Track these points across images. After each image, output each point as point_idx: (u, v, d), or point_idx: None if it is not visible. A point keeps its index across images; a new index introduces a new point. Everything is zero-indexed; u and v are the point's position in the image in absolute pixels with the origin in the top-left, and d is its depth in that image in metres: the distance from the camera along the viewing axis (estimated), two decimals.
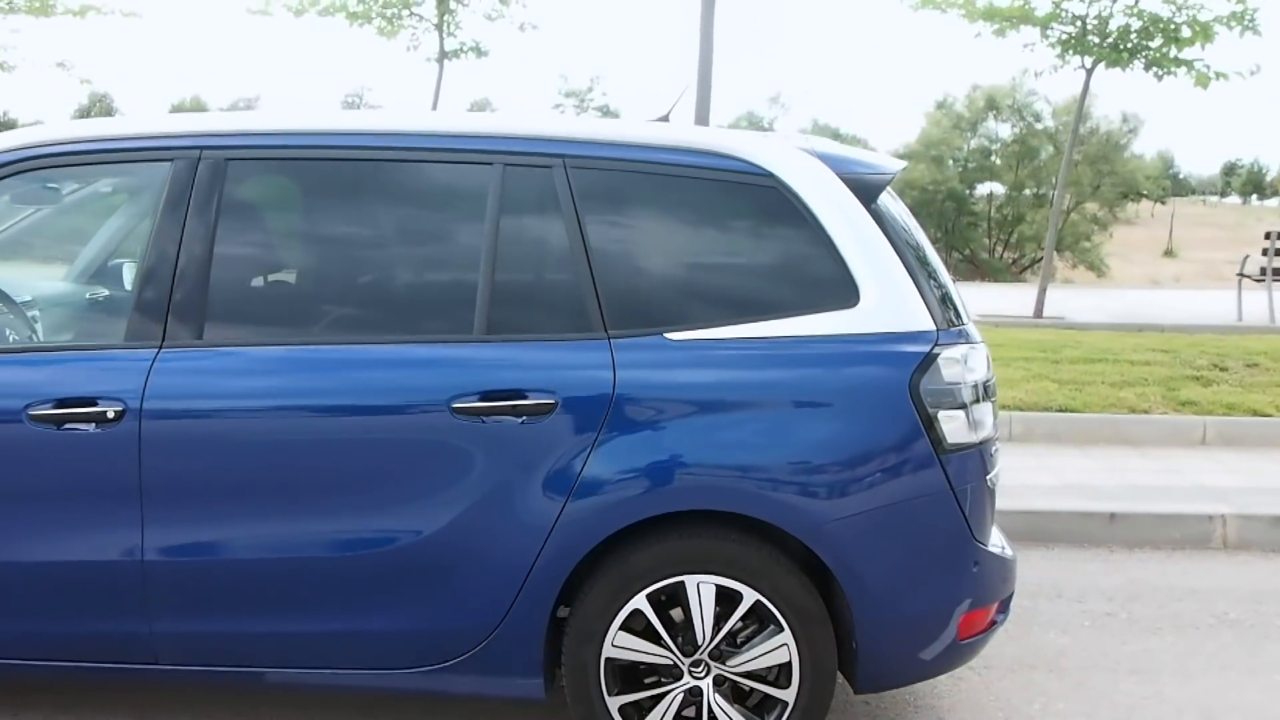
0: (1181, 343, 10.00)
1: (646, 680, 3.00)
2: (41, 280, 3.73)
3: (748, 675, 2.96)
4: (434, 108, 15.48)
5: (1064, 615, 4.44)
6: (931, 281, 3.08)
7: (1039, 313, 13.30)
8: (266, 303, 3.18)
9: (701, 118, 9.80)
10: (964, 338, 3.05)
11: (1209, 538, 5.37)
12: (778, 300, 3.01)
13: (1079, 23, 12.59)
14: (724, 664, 2.95)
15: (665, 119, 3.51)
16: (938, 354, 2.95)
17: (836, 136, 37.60)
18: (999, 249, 26.83)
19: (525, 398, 2.88)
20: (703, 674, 2.96)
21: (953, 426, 2.95)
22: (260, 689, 3.14)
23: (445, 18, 14.69)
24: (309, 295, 3.18)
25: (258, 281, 3.19)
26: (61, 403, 2.91)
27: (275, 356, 2.99)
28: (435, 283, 3.10)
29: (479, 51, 14.91)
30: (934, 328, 2.98)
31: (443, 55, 14.85)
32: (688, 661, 2.95)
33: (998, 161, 26.59)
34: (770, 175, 3.00)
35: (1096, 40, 12.56)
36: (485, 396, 2.88)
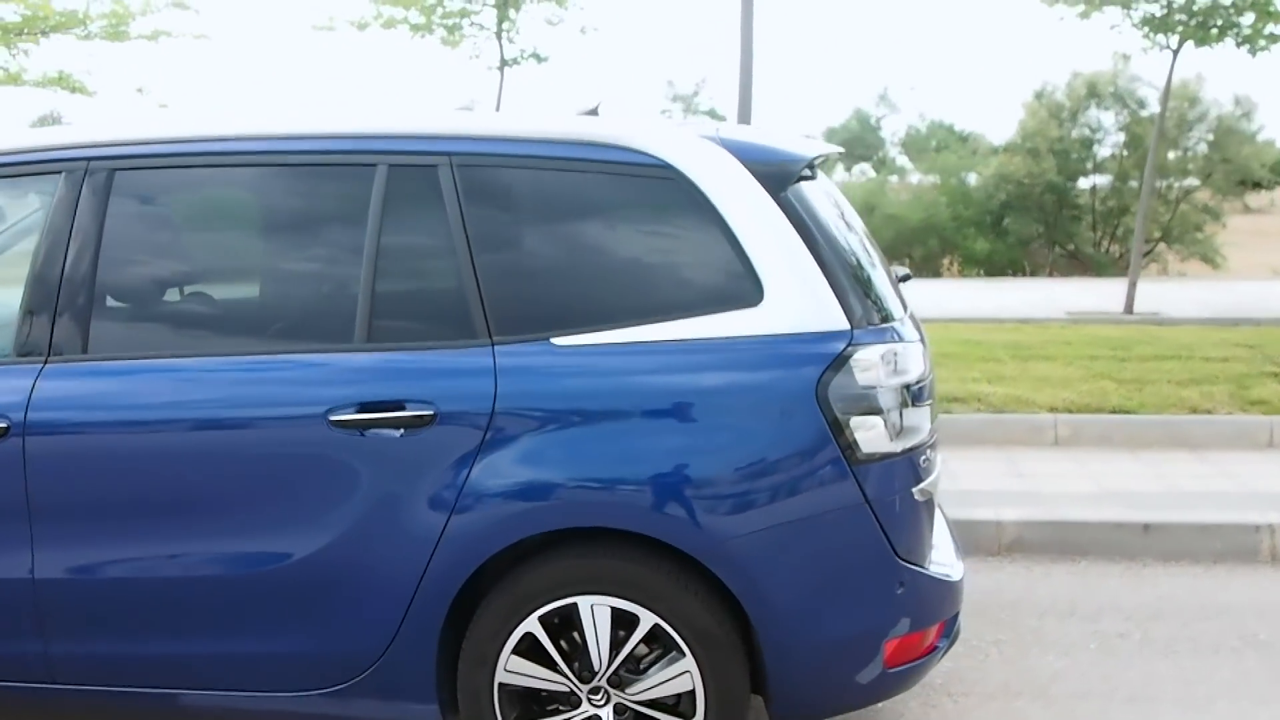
0: (1273, 337, 9.45)
1: (548, 708, 2.87)
2: None
3: (650, 704, 2.81)
4: None
5: (1070, 636, 4.15)
6: (854, 276, 2.87)
7: (1129, 308, 12.75)
8: (150, 314, 3.13)
9: (744, 114, 9.61)
10: (889, 336, 2.84)
11: (1255, 550, 4.98)
12: (676, 300, 2.85)
13: (1164, 1, 12.04)
14: (624, 691, 2.80)
15: (594, 112, 3.36)
16: (850, 355, 2.75)
17: (948, 132, 36.56)
18: (1105, 242, 25.81)
19: (404, 409, 2.77)
20: (602, 701, 2.81)
21: (868, 434, 2.74)
22: (164, 711, 3.09)
23: (504, 25, 14.73)
24: (191, 306, 3.14)
25: (142, 293, 3.13)
26: None
27: (154, 369, 2.94)
28: (315, 290, 3.01)
29: (538, 57, 14.92)
30: (848, 326, 2.78)
31: (503, 63, 14.89)
32: (586, 688, 2.81)
33: (1101, 151, 25.63)
34: (668, 166, 2.84)
35: (1183, 19, 12.00)
36: (363, 408, 2.78)
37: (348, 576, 2.82)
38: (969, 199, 26.22)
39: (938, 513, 3.35)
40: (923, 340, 3.01)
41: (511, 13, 14.57)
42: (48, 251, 3.00)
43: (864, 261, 3.00)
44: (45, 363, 2.94)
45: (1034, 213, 25.51)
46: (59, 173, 3.04)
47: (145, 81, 18.30)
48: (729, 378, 2.76)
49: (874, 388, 2.75)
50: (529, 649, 2.81)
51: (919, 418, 2.88)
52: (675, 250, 2.91)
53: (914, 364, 2.89)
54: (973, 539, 4.93)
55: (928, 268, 24.71)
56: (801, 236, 2.81)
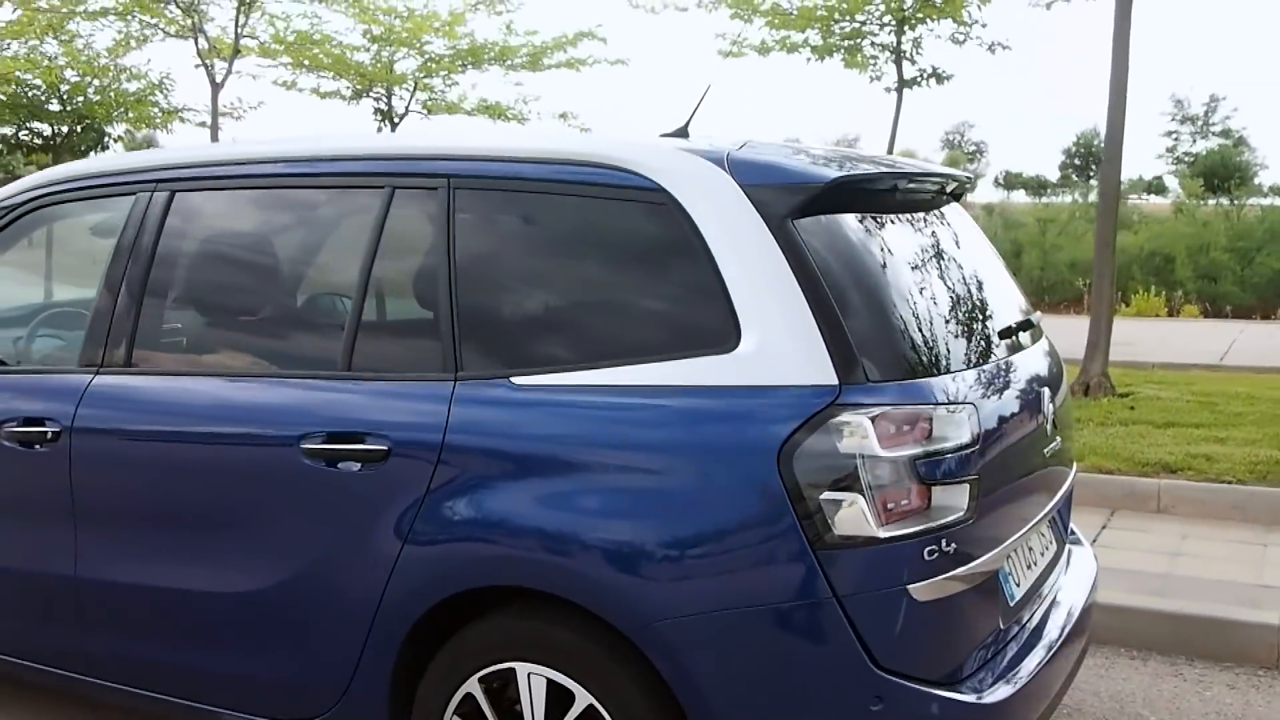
0: None
1: None
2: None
3: None
4: (891, 139, 15.19)
5: None
6: (870, 323, 2.44)
7: None
8: (171, 330, 3.28)
9: (1114, 130, 8.63)
10: (905, 396, 2.38)
11: None
12: (647, 341, 2.57)
13: None
14: None
15: (684, 132, 3.14)
16: (830, 415, 2.34)
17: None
18: None
19: (363, 442, 2.72)
20: None
21: (844, 514, 2.31)
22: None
23: (905, 43, 14.31)
24: (198, 325, 3.27)
25: (162, 312, 3.27)
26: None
27: (163, 386, 3.12)
28: (313, 315, 3.04)
29: (939, 77, 14.33)
30: (834, 381, 2.36)
31: (901, 83, 14.46)
32: None
33: None
34: (660, 190, 2.57)
35: None
36: (330, 438, 2.76)
37: (308, 609, 2.81)
38: None
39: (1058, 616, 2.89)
40: (1017, 395, 2.65)
41: (909, 31, 14.12)
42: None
43: (895, 302, 2.54)
44: (97, 373, 3.21)
45: None
46: (132, 194, 3.31)
47: (569, 106, 19.56)
48: (684, 432, 2.45)
49: (859, 457, 2.32)
50: (472, 712, 2.65)
51: (951, 496, 2.39)
52: (657, 285, 2.64)
53: (953, 430, 2.41)
54: (1235, 646, 4.11)
55: None
56: (799, 273, 2.43)
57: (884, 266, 2.60)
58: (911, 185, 2.92)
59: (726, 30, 15.42)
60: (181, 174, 3.23)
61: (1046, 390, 2.97)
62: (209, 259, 3.28)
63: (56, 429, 3.15)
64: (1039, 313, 3.50)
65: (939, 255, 2.90)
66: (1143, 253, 23.14)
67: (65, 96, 18.81)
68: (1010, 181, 52.62)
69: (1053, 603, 3.05)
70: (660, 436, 2.46)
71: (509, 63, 17.61)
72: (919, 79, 14.48)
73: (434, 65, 17.50)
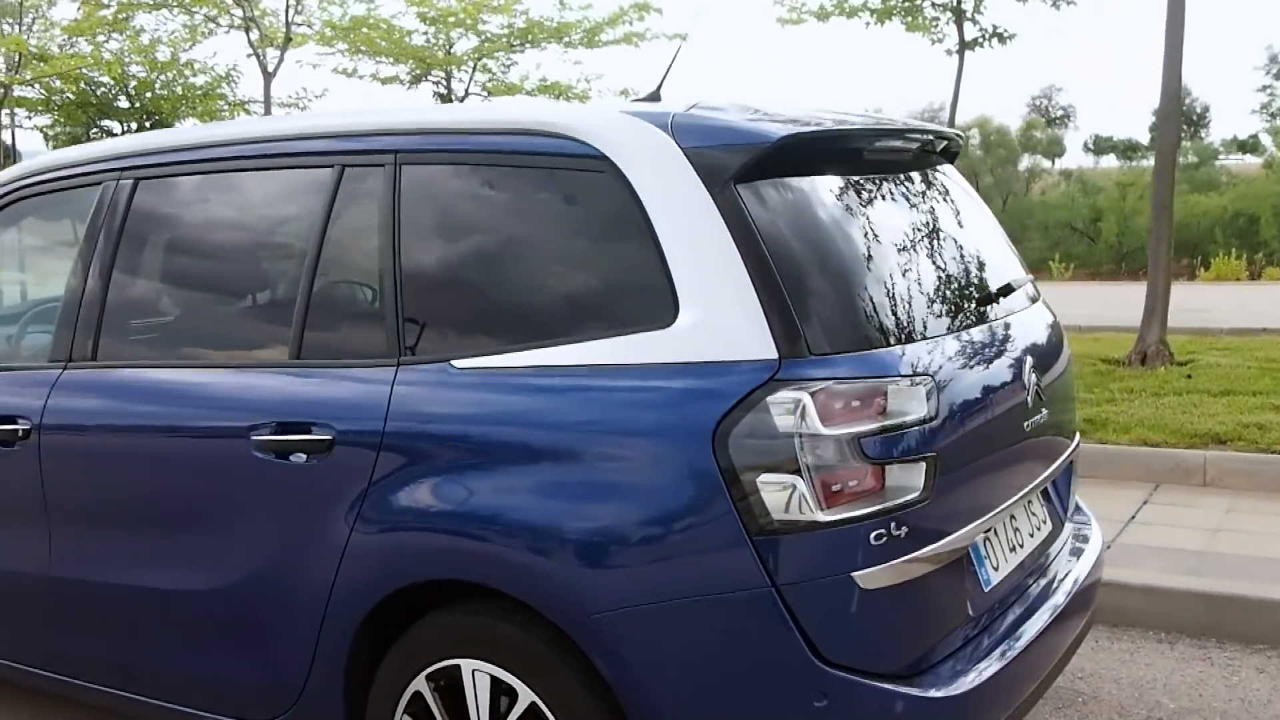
0: None
1: None
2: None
3: None
4: (953, 103, 14.81)
5: None
6: (809, 291, 2.32)
7: None
8: (132, 322, 3.22)
9: (1170, 88, 8.27)
10: (854, 369, 2.25)
11: None
12: (588, 317, 2.48)
13: None
14: None
15: (655, 96, 3.03)
16: (769, 393, 2.22)
17: None
18: None
19: (309, 432, 2.66)
20: None
21: (779, 497, 2.19)
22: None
23: (965, 2, 13.89)
24: (157, 316, 3.23)
25: (123, 303, 3.19)
26: None
27: (122, 379, 3.10)
28: (265, 301, 2.98)
29: (1000, 37, 13.90)
30: (774, 355, 2.24)
31: (963, 45, 14.07)
32: None
33: None
34: (602, 157, 2.46)
35: None
36: (278, 429, 2.71)
37: (263, 607, 2.77)
38: None
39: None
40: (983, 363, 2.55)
41: None
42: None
43: (867, 275, 2.43)
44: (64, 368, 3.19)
45: None
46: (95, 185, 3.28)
47: (630, 83, 19.40)
48: (618, 415, 2.35)
49: (798, 436, 2.20)
50: (421, 711, 2.59)
51: (904, 476, 2.26)
52: (599, 258, 2.53)
53: (907, 405, 2.29)
54: (1270, 627, 3.97)
55: None
56: (740, 241, 2.31)
57: (840, 232, 2.47)
58: (884, 145, 2.77)
59: None
60: (143, 162, 3.19)
61: (1029, 361, 2.81)
62: (168, 248, 3.24)
63: (27, 426, 3.14)
64: (1037, 282, 3.34)
65: (914, 220, 2.76)
66: (1226, 214, 22.38)
67: (133, 93, 19.14)
68: (1100, 145, 51.13)
69: (1046, 584, 2.90)
70: (594, 420, 2.37)
71: (566, 40, 17.52)
72: (981, 40, 14.08)
73: (490, 45, 17.46)
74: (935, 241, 2.76)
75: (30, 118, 19.69)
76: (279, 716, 2.80)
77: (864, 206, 2.61)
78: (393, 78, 17.88)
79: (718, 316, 2.30)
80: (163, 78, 18.87)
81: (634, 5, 16.78)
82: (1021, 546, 2.82)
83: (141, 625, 3.02)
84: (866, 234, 2.54)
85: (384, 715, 2.64)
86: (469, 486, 2.46)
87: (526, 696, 2.42)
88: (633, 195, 2.41)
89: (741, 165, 2.36)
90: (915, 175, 2.92)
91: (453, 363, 2.55)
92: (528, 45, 17.63)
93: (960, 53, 14.29)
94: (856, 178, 2.65)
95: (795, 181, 2.47)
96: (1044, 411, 2.83)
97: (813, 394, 2.21)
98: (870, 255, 2.49)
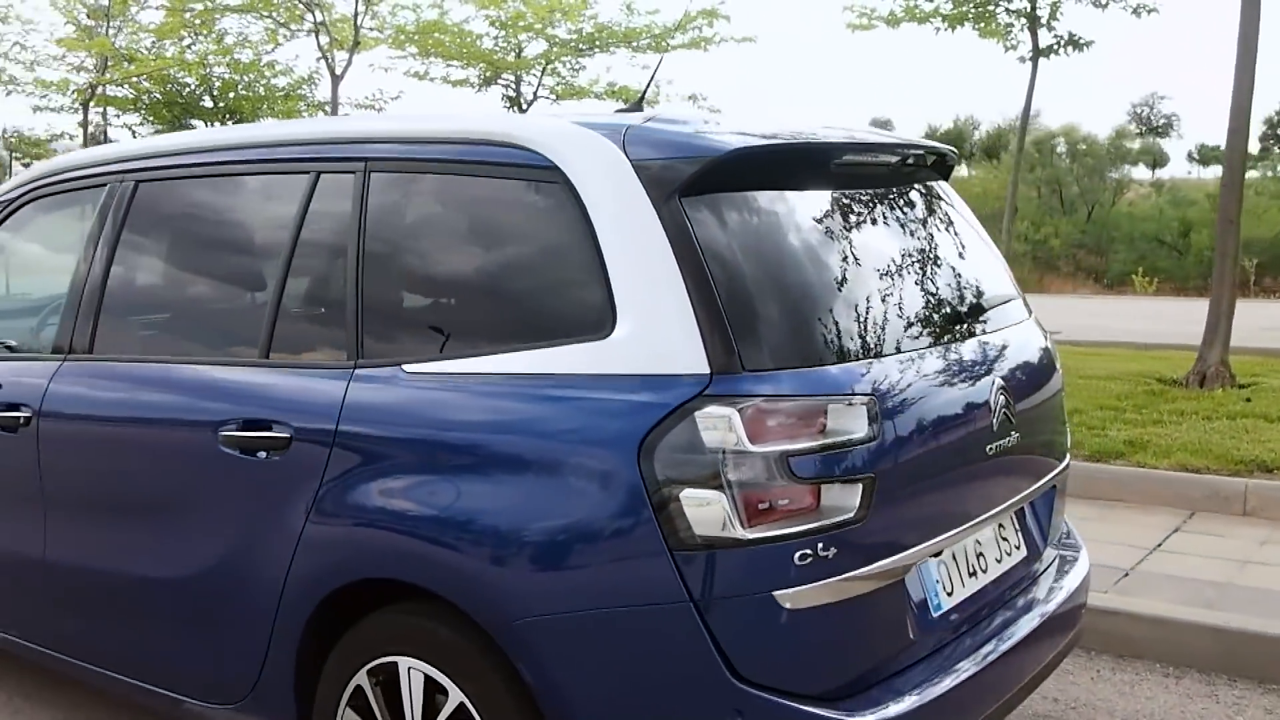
0: None
1: None
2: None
3: None
4: (1025, 110, 14.56)
5: None
6: (748, 306, 2.29)
7: None
8: (123, 318, 3.31)
9: (1241, 96, 8.03)
10: (792, 387, 2.23)
11: None
12: (534, 326, 2.49)
13: None
14: None
15: (639, 106, 3.04)
16: (697, 408, 2.20)
17: None
18: None
19: (270, 429, 2.71)
20: None
21: (705, 512, 2.17)
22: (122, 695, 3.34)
23: (1039, 8, 13.63)
24: (144, 313, 3.33)
25: (117, 299, 3.29)
26: None
27: (110, 372, 3.18)
28: (242, 301, 3.04)
29: (1076, 44, 13.62)
30: (706, 370, 2.22)
31: (1036, 52, 13.82)
32: None
33: None
34: (554, 168, 2.47)
35: None
36: (243, 426, 2.77)
37: (226, 599, 2.83)
38: None
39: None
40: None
41: None
42: None
43: (814, 291, 2.41)
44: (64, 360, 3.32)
45: None
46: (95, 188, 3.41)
47: (698, 89, 19.44)
48: (551, 424, 2.35)
49: (723, 452, 2.17)
50: (363, 705, 2.62)
51: (837, 496, 2.23)
52: (546, 268, 2.54)
53: (844, 424, 2.25)
54: None
55: None
56: (679, 254, 2.29)
57: (791, 247, 2.45)
58: (854, 159, 2.73)
59: (854, 1, 14.96)
60: (144, 165, 3.29)
61: (997, 382, 2.74)
62: (159, 248, 3.34)
63: (29, 413, 3.25)
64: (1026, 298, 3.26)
65: (880, 236, 2.72)
66: None
67: (217, 93, 19.64)
68: (1205, 156, 49.61)
69: (1014, 609, 2.83)
70: (527, 428, 2.37)
71: (634, 45, 17.59)
72: (1055, 47, 13.81)
73: (559, 50, 17.60)
74: (900, 259, 2.71)
75: (119, 116, 20.36)
76: (238, 703, 2.86)
77: (824, 222, 2.57)
78: (463, 81, 18.14)
79: (652, 329, 2.29)
80: (245, 79, 19.34)
81: (701, 11, 16.80)
82: (985, 571, 2.76)
83: (121, 609, 3.12)
84: (822, 250, 2.50)
85: (329, 707, 2.68)
86: (407, 489, 2.48)
87: (456, 696, 2.43)
88: (580, 206, 2.41)
89: (689, 177, 2.34)
90: (893, 191, 2.88)
91: (404, 367, 2.58)
92: (596, 50, 17.74)
93: (1034, 60, 14.04)
94: (821, 192, 2.62)
95: (750, 195, 2.45)
96: (1014, 434, 2.76)
97: (741, 410, 2.18)
98: (822, 271, 2.46)
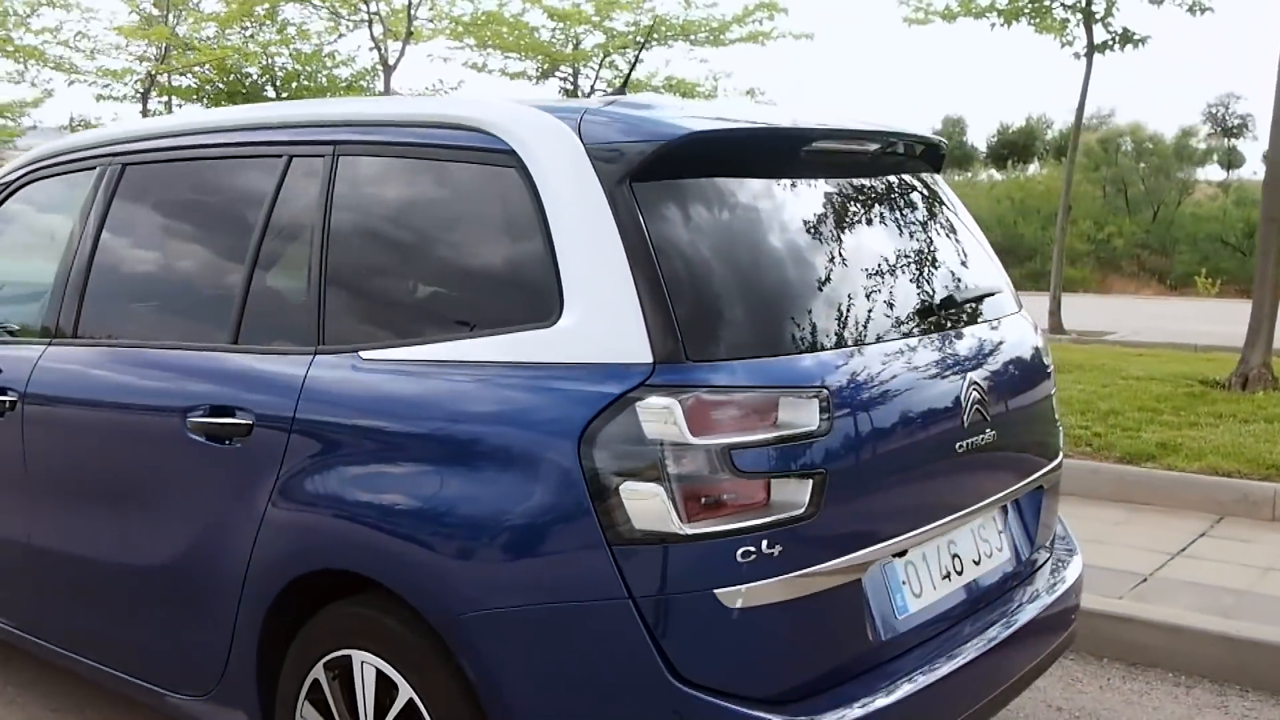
0: None
1: None
2: None
3: None
4: (1079, 107, 14.24)
5: None
6: (696, 295, 2.21)
7: None
8: (103, 303, 3.27)
9: None
10: (738, 377, 2.15)
11: None
12: (486, 313, 2.43)
13: None
14: None
15: (621, 92, 2.98)
16: (639, 398, 2.13)
17: None
18: None
19: (234, 416, 2.69)
20: None
21: (645, 506, 2.10)
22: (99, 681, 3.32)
23: (1095, 3, 13.31)
24: (123, 298, 3.29)
25: (98, 285, 3.26)
26: None
27: (89, 357, 3.18)
28: (215, 286, 2.99)
29: (1131, 40, 13.28)
30: (649, 360, 2.15)
31: (1091, 48, 13.51)
32: None
33: None
34: (511, 152, 2.42)
35: None
36: (211, 411, 2.74)
37: (193, 587, 2.80)
38: None
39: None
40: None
41: None
42: None
43: (769, 280, 2.34)
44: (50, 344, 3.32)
45: None
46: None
47: (756, 82, 19.30)
48: (495, 413, 2.29)
49: (664, 444, 2.10)
50: (321, 699, 2.58)
51: (785, 492, 2.15)
52: (501, 254, 2.48)
53: (793, 417, 2.17)
54: None
55: None
56: (627, 241, 2.22)
57: (748, 235, 2.37)
58: (823, 147, 2.64)
59: None
60: (130, 148, 3.27)
61: (971, 377, 2.63)
62: (140, 232, 3.31)
63: (14, 398, 3.26)
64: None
65: (849, 226, 2.62)
66: None
67: (280, 84, 19.84)
68: None
69: (993, 613, 2.72)
70: (472, 417, 2.32)
71: (692, 38, 17.49)
72: (1110, 43, 13.49)
73: (617, 42, 17.55)
74: (870, 250, 2.61)
75: (181, 106, 20.64)
76: (207, 695, 2.83)
77: (788, 210, 2.49)
78: (521, 73, 18.17)
79: (598, 317, 2.23)
80: (308, 69, 19.51)
81: (760, 4, 16.65)
82: (960, 573, 2.66)
83: (103, 600, 3.10)
84: (782, 238, 2.42)
85: (290, 700, 2.64)
86: (357, 478, 2.44)
87: (406, 692, 2.38)
88: (535, 191, 2.35)
89: (642, 161, 2.27)
90: (871, 181, 2.78)
91: (361, 353, 2.53)
92: (654, 42, 17.65)
93: (1089, 56, 13.79)
94: (790, 180, 2.54)
95: (708, 181, 2.37)
96: (989, 432, 2.65)
97: (683, 400, 2.11)
98: (780, 261, 2.38)
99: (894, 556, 2.45)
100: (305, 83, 19.64)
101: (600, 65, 18.21)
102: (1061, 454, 3.18)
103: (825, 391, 2.23)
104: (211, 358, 2.85)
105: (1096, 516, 5.16)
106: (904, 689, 2.34)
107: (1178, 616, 3.99)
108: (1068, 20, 13.92)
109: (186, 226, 3.20)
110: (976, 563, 2.72)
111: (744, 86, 19.88)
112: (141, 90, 18.47)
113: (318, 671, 2.56)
